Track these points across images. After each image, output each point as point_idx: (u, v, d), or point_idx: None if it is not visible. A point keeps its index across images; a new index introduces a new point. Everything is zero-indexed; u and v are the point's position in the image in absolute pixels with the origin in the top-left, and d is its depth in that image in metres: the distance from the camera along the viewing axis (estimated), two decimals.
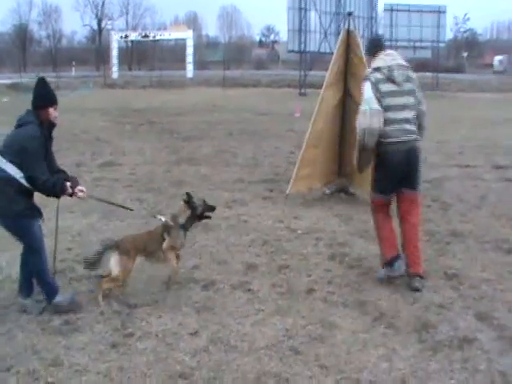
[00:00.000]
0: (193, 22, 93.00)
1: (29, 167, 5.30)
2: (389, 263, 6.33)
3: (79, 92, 34.58)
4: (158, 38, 62.46)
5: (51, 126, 5.62)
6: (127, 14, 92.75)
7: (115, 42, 59.11)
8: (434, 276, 6.51)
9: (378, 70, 6.25)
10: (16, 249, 7.25)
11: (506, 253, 7.32)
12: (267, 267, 6.81)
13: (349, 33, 9.62)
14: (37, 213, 5.53)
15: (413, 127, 6.20)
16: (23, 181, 5.31)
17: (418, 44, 45.52)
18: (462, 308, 5.70)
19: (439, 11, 44.30)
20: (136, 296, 5.91)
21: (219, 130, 19.59)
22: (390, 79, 6.18)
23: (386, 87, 6.16)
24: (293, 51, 41.54)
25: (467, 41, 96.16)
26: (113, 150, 15.08)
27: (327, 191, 10.14)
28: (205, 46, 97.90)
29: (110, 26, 75.26)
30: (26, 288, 5.71)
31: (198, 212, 6.20)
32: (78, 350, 4.89)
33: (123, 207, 6.96)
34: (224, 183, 11.28)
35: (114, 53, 58.08)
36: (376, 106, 6.09)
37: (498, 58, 79.89)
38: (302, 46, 38.80)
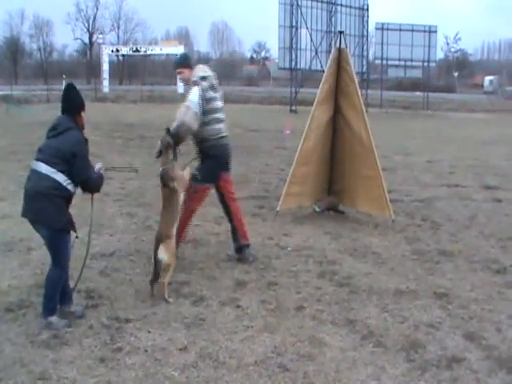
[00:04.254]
0: (184, 37, 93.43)
1: (81, 171, 5.45)
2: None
3: None
4: (149, 52, 62.71)
5: (82, 129, 5.71)
6: (118, 28, 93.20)
7: (106, 56, 59.30)
8: (424, 295, 6.52)
9: (204, 78, 7.18)
10: (5, 261, 7.25)
11: (495, 273, 7.35)
12: (256, 284, 6.80)
13: (340, 51, 9.69)
14: (73, 227, 5.61)
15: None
16: (70, 187, 5.41)
17: (408, 63, 45.91)
18: (451, 327, 5.71)
19: (430, 31, 44.77)
20: (125, 311, 5.88)
21: None
22: (212, 87, 7.25)
23: (211, 94, 7.20)
24: (284, 68, 41.81)
25: (458, 61, 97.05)
26: (103, 165, 15.00)
27: (317, 209, 10.15)
28: (196, 61, 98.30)
29: (101, 40, 75.29)
30: (64, 300, 5.73)
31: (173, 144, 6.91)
32: (67, 363, 4.85)
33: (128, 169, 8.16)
34: (214, 199, 11.20)
35: (105, 67, 58.23)
36: (198, 110, 7.05)
37: (488, 78, 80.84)
38: (293, 63, 39.06)
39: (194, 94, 7.06)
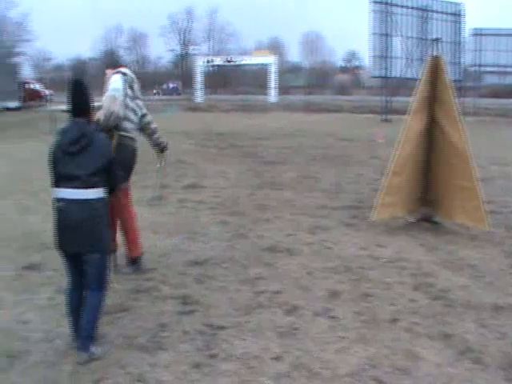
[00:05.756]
0: (276, 47, 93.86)
1: (116, 175, 5.18)
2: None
3: (165, 114, 35.21)
4: (241, 63, 63.36)
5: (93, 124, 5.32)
6: (211, 39, 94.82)
7: (199, 67, 60.35)
8: None
9: (125, 74, 7.21)
10: None
11: None
12: (350, 295, 6.74)
13: (435, 58, 9.51)
14: None
15: (135, 128, 7.30)
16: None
17: (508, 69, 44.55)
18: None
19: None
20: (219, 318, 5.96)
21: (302, 154, 19.62)
22: (131, 86, 7.26)
23: (128, 90, 7.18)
24: (376, 77, 41.37)
25: None
26: (196, 173, 15.31)
27: (411, 219, 9.99)
28: (287, 70, 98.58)
29: (195, 52, 76.78)
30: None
31: None
32: (163, 367, 4.96)
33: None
34: (307, 208, 11.26)
35: (199, 77, 59.28)
36: (122, 98, 7.01)
37: None
38: (386, 71, 38.60)
39: (117, 81, 7.08)
